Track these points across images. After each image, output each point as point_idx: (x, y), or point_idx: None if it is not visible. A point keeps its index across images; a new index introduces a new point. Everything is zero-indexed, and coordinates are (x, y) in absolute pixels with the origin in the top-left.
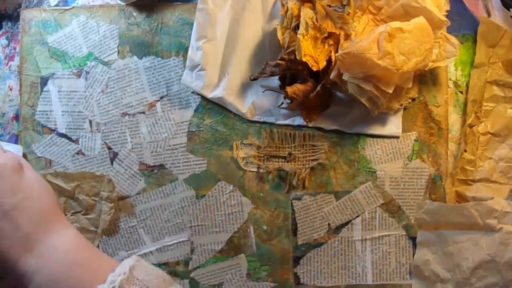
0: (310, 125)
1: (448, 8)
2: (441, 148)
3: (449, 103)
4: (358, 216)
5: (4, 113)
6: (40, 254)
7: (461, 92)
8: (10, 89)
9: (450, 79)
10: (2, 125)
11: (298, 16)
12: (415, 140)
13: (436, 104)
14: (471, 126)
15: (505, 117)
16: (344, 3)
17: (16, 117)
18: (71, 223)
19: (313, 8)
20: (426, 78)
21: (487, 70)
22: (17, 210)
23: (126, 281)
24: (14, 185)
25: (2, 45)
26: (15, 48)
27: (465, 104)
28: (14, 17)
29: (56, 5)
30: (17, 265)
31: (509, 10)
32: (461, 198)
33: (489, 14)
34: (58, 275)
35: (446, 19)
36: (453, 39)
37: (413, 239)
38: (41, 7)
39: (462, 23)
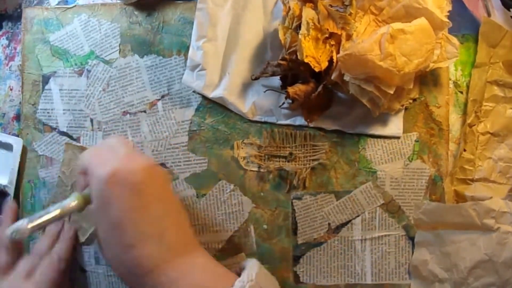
0: (311, 125)
1: (450, 9)
2: (441, 149)
3: (450, 103)
4: (358, 216)
5: (4, 113)
6: (179, 267)
7: (461, 92)
8: (11, 89)
9: (450, 79)
10: (3, 125)
11: (299, 16)
12: (415, 141)
13: (437, 104)
14: (471, 126)
15: (505, 117)
16: (346, 3)
17: (17, 117)
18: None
19: (315, 8)
20: (427, 78)
21: (487, 70)
22: (166, 218)
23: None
24: (165, 193)
25: (2, 45)
26: (15, 48)
27: (465, 104)
28: (14, 17)
29: (57, 5)
30: (152, 274)
31: (509, 10)
32: (459, 197)
33: (489, 14)
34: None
35: (447, 20)
36: (454, 40)
37: (412, 239)
38: (42, 6)
39: (462, 23)
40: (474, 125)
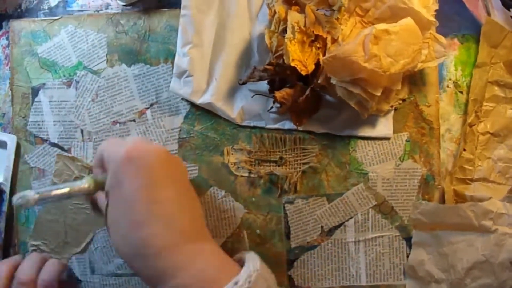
0: (300, 128)
1: (437, 8)
2: (433, 148)
3: (449, 103)
4: (351, 218)
5: (4, 113)
6: (187, 252)
7: (461, 92)
8: (11, 89)
9: (450, 79)
10: (3, 125)
11: (285, 20)
12: (406, 141)
13: (427, 104)
14: (471, 125)
15: (505, 118)
16: (335, 8)
17: None
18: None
19: (301, 11)
20: (416, 78)
21: (488, 70)
22: (178, 202)
23: (258, 277)
24: (178, 178)
25: (2, 45)
26: None
27: (465, 104)
28: (14, 17)
29: (56, 6)
30: (159, 256)
31: (509, 10)
32: (459, 196)
33: (489, 14)
34: (202, 275)
35: (434, 20)
36: (442, 39)
37: (406, 239)
38: (41, 7)
39: (462, 23)
40: (474, 124)
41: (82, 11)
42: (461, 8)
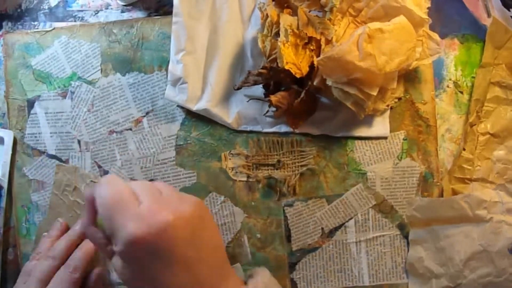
0: (297, 131)
1: (429, 5)
2: (430, 145)
3: (449, 103)
4: (351, 218)
5: (4, 113)
6: None
7: (461, 92)
8: (6, 103)
9: (450, 79)
10: (3, 125)
11: (277, 23)
12: (403, 139)
13: (423, 101)
14: (472, 125)
15: (505, 119)
16: (327, 9)
17: None
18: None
19: (293, 14)
20: (411, 76)
21: (492, 70)
22: (200, 264)
23: None
24: (199, 237)
25: (2, 45)
26: None
27: (466, 104)
28: (14, 17)
29: (56, 6)
30: None
31: (509, 10)
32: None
33: (489, 14)
34: None
35: (427, 17)
36: (436, 36)
37: (407, 238)
38: (41, 7)
39: (462, 23)
40: (475, 124)
41: (82, 11)
42: (461, 8)
